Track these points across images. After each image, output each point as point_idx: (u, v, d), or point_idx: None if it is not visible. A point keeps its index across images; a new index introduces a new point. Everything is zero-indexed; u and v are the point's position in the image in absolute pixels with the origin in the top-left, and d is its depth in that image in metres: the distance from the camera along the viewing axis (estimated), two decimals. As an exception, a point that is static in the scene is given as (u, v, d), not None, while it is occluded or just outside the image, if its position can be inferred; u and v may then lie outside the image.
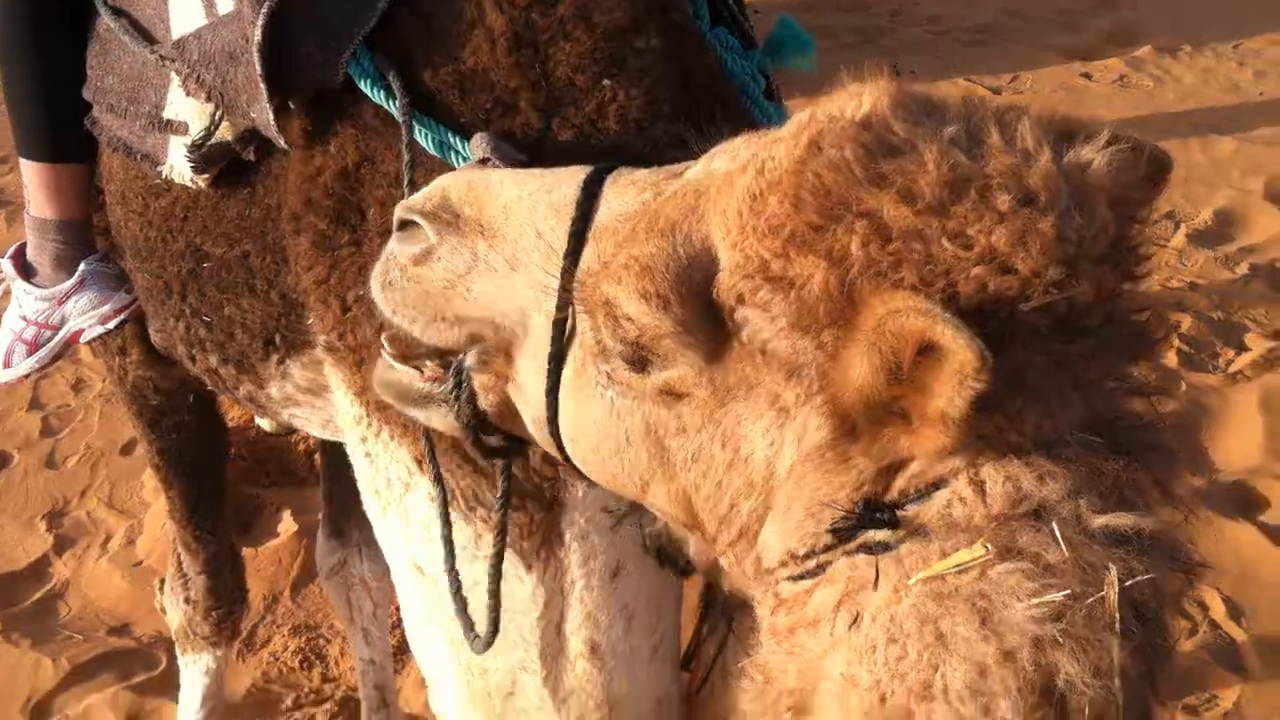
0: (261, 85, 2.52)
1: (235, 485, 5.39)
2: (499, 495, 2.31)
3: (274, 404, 3.02)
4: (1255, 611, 4.92)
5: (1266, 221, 7.94)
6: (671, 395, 1.69)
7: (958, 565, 1.48)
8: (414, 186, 2.37)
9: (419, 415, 2.14)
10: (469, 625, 2.40)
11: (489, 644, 2.37)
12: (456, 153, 2.41)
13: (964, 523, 1.50)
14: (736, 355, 1.61)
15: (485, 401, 2.03)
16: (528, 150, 2.39)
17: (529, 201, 1.89)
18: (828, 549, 1.60)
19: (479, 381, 2.01)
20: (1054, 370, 1.50)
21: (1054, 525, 1.46)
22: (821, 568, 1.61)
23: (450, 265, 1.94)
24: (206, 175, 2.76)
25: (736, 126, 2.56)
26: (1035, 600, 1.43)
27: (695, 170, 1.83)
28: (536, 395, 1.90)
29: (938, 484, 1.52)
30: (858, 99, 1.62)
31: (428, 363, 2.09)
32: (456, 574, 2.40)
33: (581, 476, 2.03)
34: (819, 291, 1.51)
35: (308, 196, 2.55)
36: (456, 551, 2.48)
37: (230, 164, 2.74)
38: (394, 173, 2.47)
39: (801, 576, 1.64)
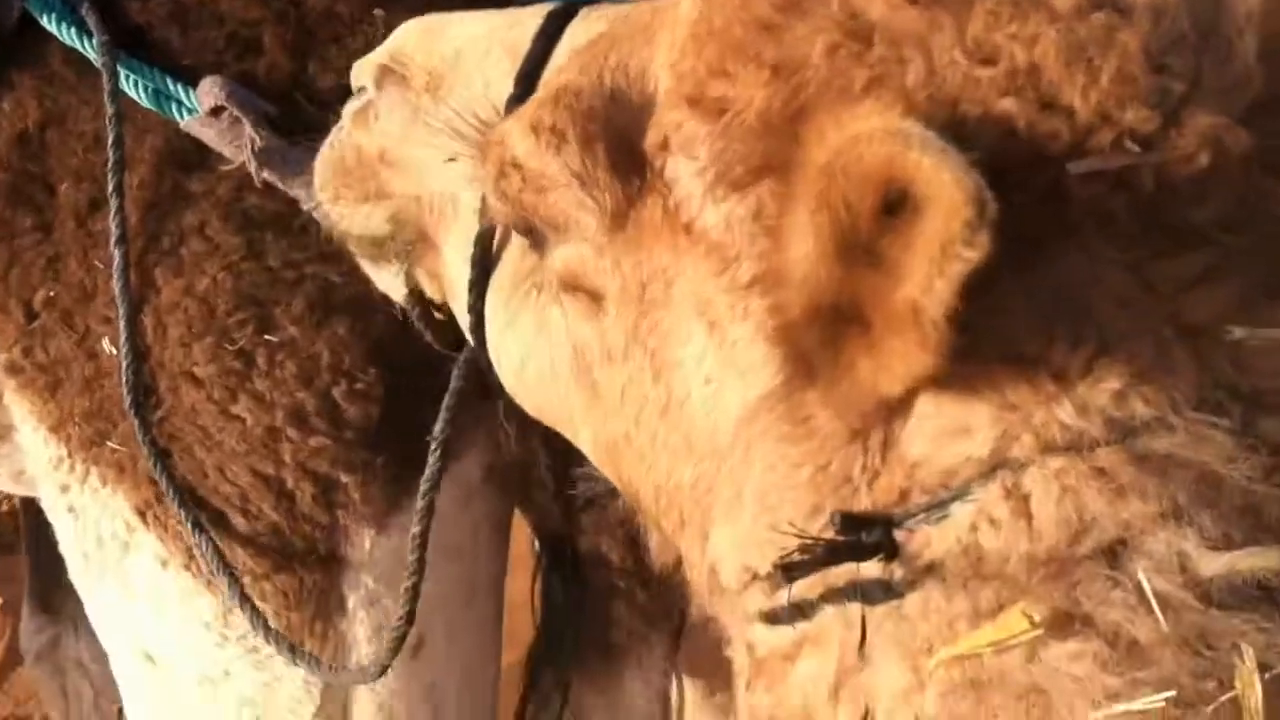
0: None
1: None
2: (434, 448, 1.75)
3: (-58, 454, 2.34)
4: None
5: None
6: (583, 293, 1.18)
7: (993, 643, 0.95)
8: (120, 148, 1.80)
9: (369, 267, 1.68)
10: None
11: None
12: (179, 103, 1.84)
13: (997, 562, 0.96)
14: (653, 232, 1.09)
15: (432, 290, 1.58)
16: (277, 99, 1.85)
17: (483, 43, 1.44)
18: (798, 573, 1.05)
19: (420, 271, 1.55)
20: (1139, 296, 0.94)
21: (1141, 573, 0.91)
22: (801, 611, 1.07)
23: (386, 126, 1.49)
24: None
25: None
26: (1120, 708, 0.90)
27: None
28: (461, 291, 1.42)
29: (956, 491, 0.97)
30: None
31: None
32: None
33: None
34: (755, 119, 0.99)
35: (-25, 171, 1.93)
36: (198, 630, 1.89)
37: None
38: (92, 133, 1.90)
39: (775, 618, 1.10)
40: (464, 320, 1.44)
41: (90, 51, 1.84)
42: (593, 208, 1.11)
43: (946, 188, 0.82)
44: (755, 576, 1.09)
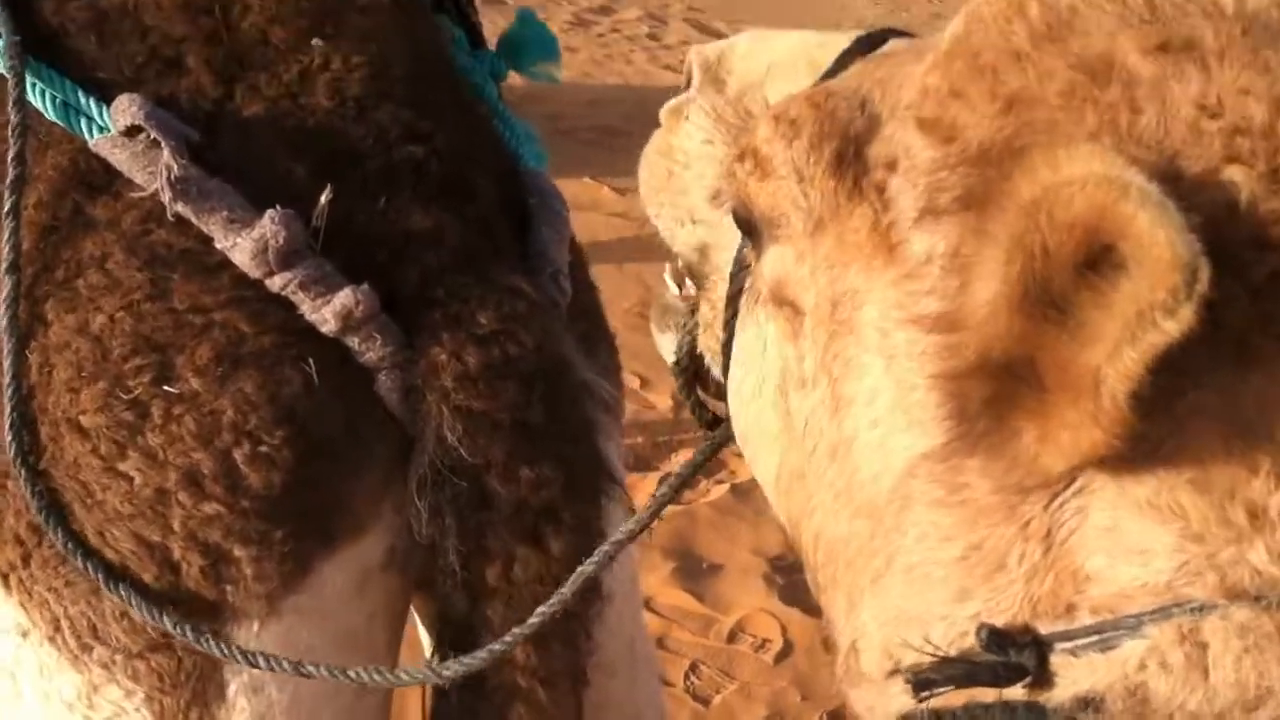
0: None
1: None
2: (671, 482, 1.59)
3: None
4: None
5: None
6: (788, 306, 1.13)
7: None
8: (22, 164, 1.61)
9: (656, 334, 1.75)
10: None
11: None
12: (90, 120, 1.65)
13: (1164, 712, 0.86)
14: (855, 248, 1.04)
15: (704, 343, 1.57)
16: (199, 123, 1.67)
17: (793, 56, 1.48)
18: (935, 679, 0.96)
19: (701, 312, 1.56)
20: None
21: None
22: None
23: (694, 130, 1.53)
24: None
25: (473, 132, 1.95)
26: None
27: None
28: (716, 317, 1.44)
29: (1128, 621, 0.87)
30: None
31: (689, 280, 1.70)
32: None
33: None
34: (976, 150, 0.94)
35: None
36: (59, 710, 1.67)
37: None
38: (-13, 145, 1.68)
39: None
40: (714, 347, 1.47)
41: None
42: (803, 205, 1.07)
43: (1158, 247, 0.74)
44: (897, 668, 0.99)
